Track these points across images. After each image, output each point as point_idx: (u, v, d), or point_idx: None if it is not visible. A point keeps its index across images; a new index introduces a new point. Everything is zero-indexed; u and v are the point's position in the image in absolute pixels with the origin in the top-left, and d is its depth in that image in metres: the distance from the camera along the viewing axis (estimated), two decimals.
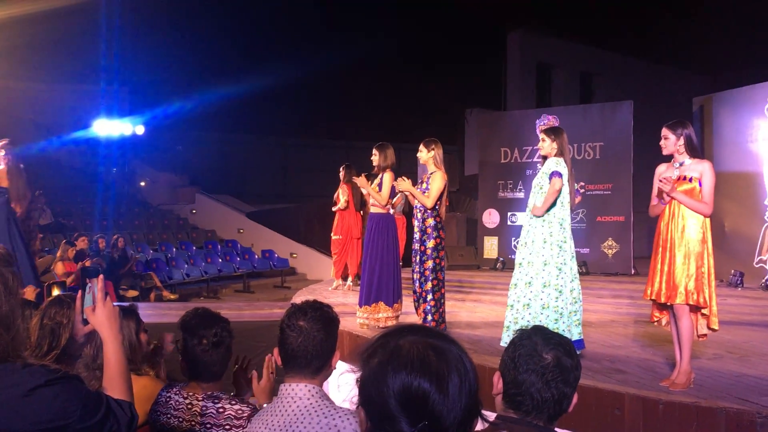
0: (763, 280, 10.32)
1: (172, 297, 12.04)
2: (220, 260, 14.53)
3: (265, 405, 2.46)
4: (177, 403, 2.64)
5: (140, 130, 17.42)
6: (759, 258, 10.77)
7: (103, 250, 12.14)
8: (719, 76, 17.54)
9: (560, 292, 5.31)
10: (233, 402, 2.62)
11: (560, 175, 5.32)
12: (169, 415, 2.63)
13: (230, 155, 20.97)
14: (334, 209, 10.27)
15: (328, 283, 10.81)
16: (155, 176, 19.53)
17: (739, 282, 10.60)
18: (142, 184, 19.58)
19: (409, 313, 7.03)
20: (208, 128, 20.16)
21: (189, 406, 2.62)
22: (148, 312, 8.33)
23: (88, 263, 10.91)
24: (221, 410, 2.59)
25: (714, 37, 18.39)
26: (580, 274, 5.66)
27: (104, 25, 15.85)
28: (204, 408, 2.60)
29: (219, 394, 2.65)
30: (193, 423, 2.58)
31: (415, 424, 1.24)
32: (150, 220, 17.06)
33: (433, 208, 6.37)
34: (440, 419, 1.24)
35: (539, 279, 5.34)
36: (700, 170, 4.56)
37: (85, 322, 2.04)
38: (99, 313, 2.00)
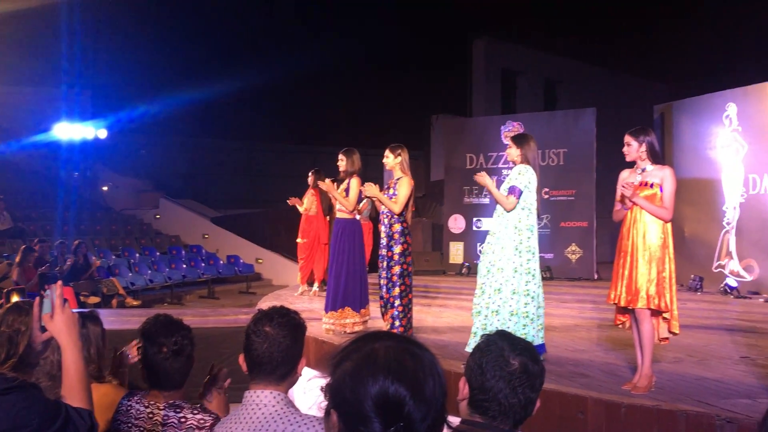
0: (722, 285, 10.52)
1: (135, 303, 11.85)
2: (185, 266, 14.37)
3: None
4: (138, 412, 2.60)
5: (103, 133, 17.15)
6: (718, 263, 10.99)
7: (63, 255, 11.92)
8: (679, 84, 17.87)
9: (532, 298, 5.36)
10: (195, 411, 2.58)
11: (518, 192, 5.36)
12: (129, 425, 2.59)
13: (195, 160, 20.78)
14: (300, 209, 10.25)
15: (294, 288, 10.76)
16: (118, 181, 19.25)
17: (698, 286, 10.80)
18: (105, 188, 19.28)
19: (375, 318, 7.02)
20: (172, 132, 19.94)
21: (150, 416, 2.58)
22: (110, 319, 8.19)
23: (46, 269, 10.71)
24: (183, 420, 2.55)
25: (674, 46, 18.78)
26: (544, 279, 5.72)
27: (65, 26, 15.61)
28: (165, 417, 2.56)
29: (181, 403, 2.61)
30: None
31: (389, 425, 1.25)
32: (112, 225, 16.81)
33: (401, 214, 6.38)
34: (414, 423, 1.25)
35: (509, 286, 5.37)
36: (661, 176, 4.65)
37: (43, 329, 2.00)
38: (57, 320, 1.96)
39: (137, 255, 14.41)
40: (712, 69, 17.18)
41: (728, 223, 10.83)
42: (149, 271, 13.49)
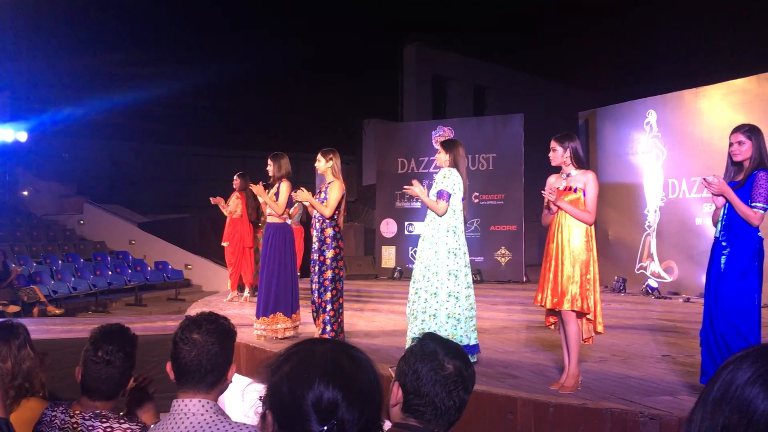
0: (644, 286, 10.88)
1: (58, 312, 11.44)
2: (110, 273, 13.96)
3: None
4: (62, 422, 2.52)
5: (23, 136, 16.52)
6: (640, 264, 11.36)
7: None
8: (603, 92, 18.45)
9: (457, 298, 5.42)
10: (122, 421, 2.51)
11: (447, 195, 5.43)
12: None
13: (121, 164, 20.22)
14: (225, 212, 10.14)
15: (224, 294, 10.61)
16: (39, 185, 18.56)
17: (621, 288, 11.14)
18: (25, 193, 18.56)
19: (306, 323, 6.98)
20: (98, 136, 19.34)
21: (74, 426, 2.50)
22: (31, 328, 7.88)
23: None
24: (109, 429, 2.48)
25: (598, 55, 19.38)
26: (475, 282, 5.80)
27: None
28: (91, 427, 2.49)
29: (107, 413, 2.54)
30: None
31: (325, 422, 1.27)
32: (33, 231, 16.19)
33: (332, 218, 6.37)
34: (346, 424, 1.27)
35: (444, 289, 5.41)
36: (585, 181, 4.77)
37: None
38: None
39: (60, 262, 13.93)
40: (634, 77, 17.83)
41: (649, 226, 11.22)
42: (72, 279, 13.05)
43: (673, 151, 10.83)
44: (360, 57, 20.34)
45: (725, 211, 4.34)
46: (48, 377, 3.22)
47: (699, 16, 17.05)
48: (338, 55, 20.53)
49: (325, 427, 1.26)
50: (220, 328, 2.21)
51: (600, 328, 4.82)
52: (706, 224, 9.73)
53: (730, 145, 4.37)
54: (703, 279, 4.68)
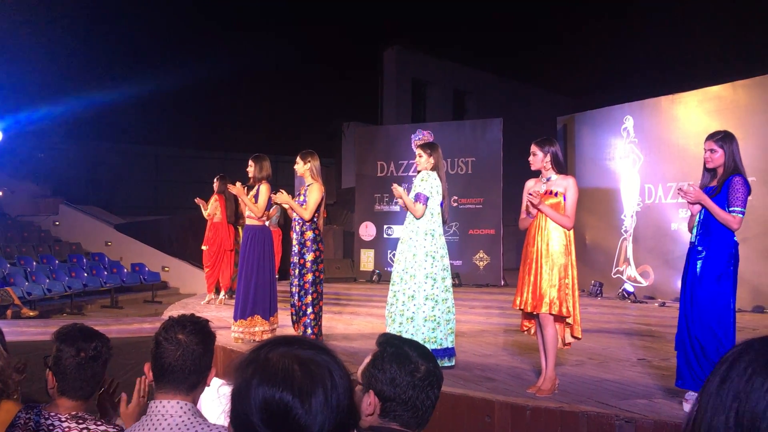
0: (620, 290, 10.98)
1: (32, 314, 11.29)
2: (86, 274, 13.80)
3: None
4: (37, 425, 2.48)
5: None
6: (616, 269, 11.46)
7: None
8: (581, 97, 18.60)
9: (436, 302, 5.44)
10: (99, 423, 2.49)
11: (424, 199, 5.45)
12: None
13: (98, 165, 20.01)
14: (204, 213, 10.09)
15: (202, 297, 10.55)
16: (14, 186, 18.31)
17: (598, 292, 11.23)
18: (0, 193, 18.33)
19: (284, 326, 6.96)
20: (74, 136, 19.13)
21: (50, 428, 2.47)
22: (5, 330, 7.77)
23: None
24: (85, 431, 2.45)
25: (577, 61, 19.55)
26: (453, 285, 5.82)
27: None
28: (67, 429, 2.46)
29: (84, 415, 2.51)
30: None
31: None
32: (8, 232, 15.97)
33: (312, 221, 6.36)
34: (306, 431, 1.22)
35: (422, 292, 5.43)
36: (565, 185, 4.81)
37: None
38: None
39: (34, 263, 13.75)
40: (611, 83, 17.98)
41: (626, 231, 11.32)
42: (47, 280, 12.88)
43: (649, 156, 10.94)
44: (340, 60, 20.35)
45: (701, 217, 4.39)
46: (22, 380, 3.18)
47: (676, 24, 17.28)
48: (318, 57, 20.53)
49: None
50: (203, 330, 2.21)
51: (579, 334, 4.86)
52: (681, 229, 9.84)
53: (705, 151, 4.43)
54: (679, 283, 4.73)
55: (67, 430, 2.45)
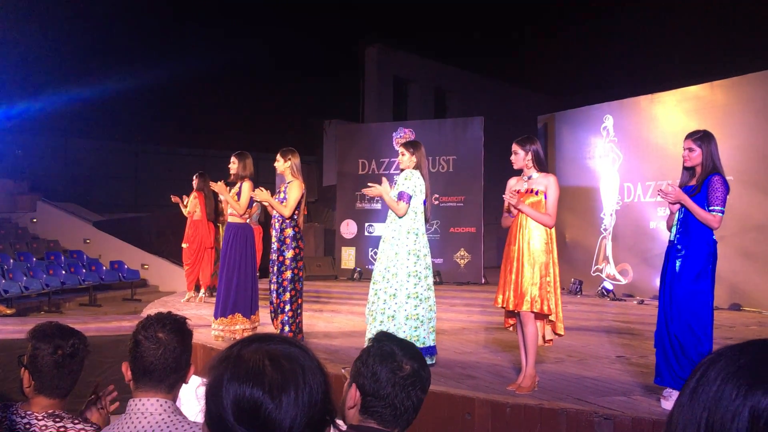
0: (599, 288, 11.06)
1: (8, 312, 11.16)
2: (64, 272, 13.65)
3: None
4: (13, 423, 2.45)
5: None
6: (596, 267, 11.55)
7: None
8: (561, 96, 18.72)
9: (419, 300, 5.44)
10: (76, 422, 2.46)
11: (407, 197, 5.45)
12: None
13: (77, 161, 19.79)
14: (184, 211, 10.04)
15: (182, 295, 10.49)
16: None
17: (578, 290, 11.30)
18: None
19: (265, 324, 6.94)
20: (52, 132, 18.92)
21: (27, 426, 2.44)
22: None
23: None
24: (62, 429, 2.43)
25: (557, 60, 19.67)
26: (434, 283, 5.82)
27: None
28: (44, 427, 2.43)
29: (60, 413, 2.48)
30: None
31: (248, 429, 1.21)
32: None
33: (291, 218, 6.34)
34: (275, 428, 1.21)
35: (404, 290, 5.42)
36: (546, 184, 4.83)
37: None
38: None
39: (11, 261, 13.58)
40: (591, 83, 18.12)
41: (605, 229, 11.40)
42: (24, 278, 12.73)
43: (628, 155, 11.02)
44: (321, 57, 20.30)
45: (680, 215, 4.43)
46: None
47: (655, 24, 17.44)
48: (299, 55, 20.46)
49: None
50: (182, 328, 2.20)
51: (561, 331, 4.89)
52: (660, 228, 9.93)
53: (683, 150, 4.47)
54: (657, 281, 4.77)
55: (43, 428, 2.43)
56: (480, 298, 10.29)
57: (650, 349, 4.86)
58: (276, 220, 6.43)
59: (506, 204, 4.92)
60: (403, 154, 5.64)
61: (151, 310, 8.61)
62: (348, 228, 14.06)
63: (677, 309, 4.34)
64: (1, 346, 6.00)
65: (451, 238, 13.26)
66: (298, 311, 6.40)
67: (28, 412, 2.47)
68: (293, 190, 6.33)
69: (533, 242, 4.77)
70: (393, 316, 5.43)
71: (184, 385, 2.23)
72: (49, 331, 2.56)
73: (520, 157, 4.92)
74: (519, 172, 5.02)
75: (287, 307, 6.29)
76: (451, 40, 20.07)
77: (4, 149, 17.94)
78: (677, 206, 4.43)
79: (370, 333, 5.52)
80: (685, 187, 4.45)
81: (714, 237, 4.38)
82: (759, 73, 9.43)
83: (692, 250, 4.34)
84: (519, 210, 4.81)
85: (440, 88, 20.69)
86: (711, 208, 4.28)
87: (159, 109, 20.08)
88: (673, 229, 4.48)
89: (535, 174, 4.90)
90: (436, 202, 12.96)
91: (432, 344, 5.53)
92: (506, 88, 20.85)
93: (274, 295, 6.38)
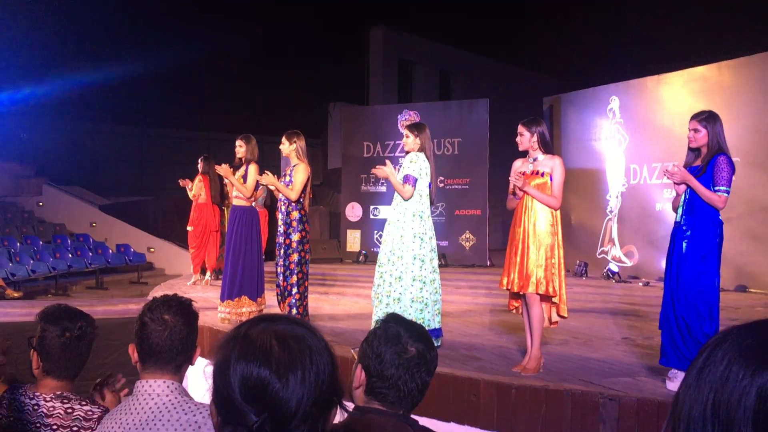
0: (605, 270, 11.06)
1: (16, 295, 11.24)
2: (70, 255, 13.73)
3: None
4: (22, 404, 2.48)
5: None
6: (601, 249, 11.54)
7: None
8: (567, 78, 18.61)
9: (424, 283, 5.44)
10: (83, 403, 2.49)
11: (413, 180, 5.44)
12: (11, 418, 2.46)
13: (83, 145, 19.82)
14: (189, 194, 10.05)
15: (188, 278, 10.53)
16: None
17: (583, 272, 11.31)
18: None
19: (271, 306, 6.97)
20: (58, 116, 18.94)
21: (35, 407, 2.46)
22: None
23: None
24: (69, 410, 2.45)
25: (563, 41, 19.53)
26: (440, 266, 5.83)
27: None
28: (52, 408, 2.46)
29: (68, 394, 2.51)
30: (38, 425, 2.43)
31: (259, 414, 1.21)
32: None
33: (298, 201, 6.34)
34: (282, 407, 1.22)
35: (409, 273, 5.42)
36: (552, 165, 4.82)
37: None
38: None
39: (18, 244, 13.67)
40: (597, 64, 17.99)
41: (611, 212, 11.39)
42: (31, 261, 12.81)
43: (634, 137, 10.98)
44: (326, 40, 20.20)
45: (686, 197, 4.42)
46: (7, 361, 3.17)
47: (661, 4, 17.27)
48: (304, 38, 20.38)
49: (259, 419, 1.21)
50: (188, 309, 2.21)
51: (564, 313, 4.89)
52: (666, 209, 9.91)
53: (689, 131, 4.45)
54: (663, 263, 4.77)
55: (51, 409, 2.45)
56: (485, 281, 10.30)
57: (655, 330, 4.86)
58: (282, 204, 6.43)
59: (511, 186, 4.91)
60: (407, 137, 5.62)
61: (158, 292, 8.65)
62: (353, 211, 14.07)
63: (683, 290, 4.34)
64: (10, 328, 6.04)
65: (456, 220, 13.26)
66: (305, 294, 6.43)
67: (36, 394, 2.49)
68: (299, 173, 6.33)
69: (539, 224, 4.77)
70: (398, 299, 5.44)
71: (190, 366, 2.24)
72: (58, 313, 2.58)
73: (525, 138, 4.90)
74: (524, 154, 5.01)
75: (294, 290, 6.31)
76: (456, 22, 19.94)
77: (10, 133, 17.98)
78: (683, 187, 4.42)
79: (376, 315, 5.53)
80: (690, 168, 4.43)
81: (720, 217, 4.37)
82: (767, 53, 9.35)
83: (698, 231, 4.33)
84: (525, 192, 4.80)
85: (445, 71, 20.60)
86: (716, 188, 4.27)
87: (164, 92, 20.05)
88: (679, 210, 4.47)
89: (540, 156, 4.88)
90: (442, 185, 12.94)
91: (437, 326, 5.54)
92: (512, 70, 20.74)
93: (281, 278, 6.39)
